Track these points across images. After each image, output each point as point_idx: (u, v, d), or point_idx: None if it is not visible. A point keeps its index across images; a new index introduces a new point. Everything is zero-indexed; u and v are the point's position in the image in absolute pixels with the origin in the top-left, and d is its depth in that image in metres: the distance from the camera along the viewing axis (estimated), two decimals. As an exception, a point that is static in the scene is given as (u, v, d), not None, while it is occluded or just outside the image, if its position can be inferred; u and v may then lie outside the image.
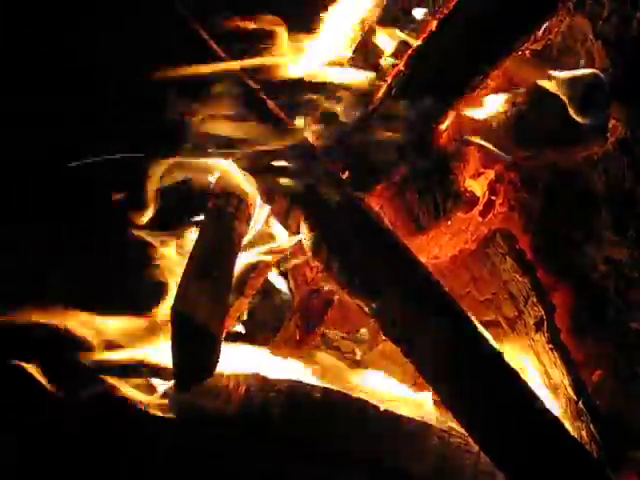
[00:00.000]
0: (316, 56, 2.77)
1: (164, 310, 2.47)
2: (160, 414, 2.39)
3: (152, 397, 2.43)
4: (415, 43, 2.58)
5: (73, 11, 2.96)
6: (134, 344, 2.50)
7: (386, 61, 2.68)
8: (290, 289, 2.76)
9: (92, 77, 3.00)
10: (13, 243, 2.84)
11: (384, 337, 2.37)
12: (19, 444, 2.47)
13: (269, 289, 2.85)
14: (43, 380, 2.49)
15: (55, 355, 2.49)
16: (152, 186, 2.52)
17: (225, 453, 2.37)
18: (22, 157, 2.91)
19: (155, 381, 2.48)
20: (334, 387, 2.46)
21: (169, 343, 2.21)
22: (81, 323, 2.49)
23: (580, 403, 2.53)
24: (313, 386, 2.41)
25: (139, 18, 2.76)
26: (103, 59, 2.94)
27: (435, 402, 2.51)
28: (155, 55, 2.66)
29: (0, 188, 2.86)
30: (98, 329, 2.49)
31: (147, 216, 2.58)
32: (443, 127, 2.59)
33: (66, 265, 2.79)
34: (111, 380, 2.46)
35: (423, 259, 2.41)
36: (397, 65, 2.58)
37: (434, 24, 2.53)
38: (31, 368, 2.52)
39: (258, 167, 2.46)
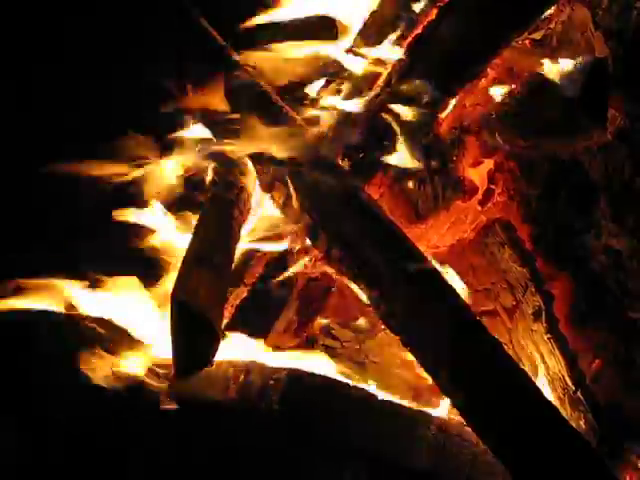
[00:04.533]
0: (317, 45, 2.77)
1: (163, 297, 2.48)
2: (159, 402, 2.38)
3: (152, 385, 2.43)
4: (415, 31, 2.58)
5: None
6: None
7: (386, 49, 2.66)
8: (289, 277, 2.75)
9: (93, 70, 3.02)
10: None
11: (383, 326, 2.37)
12: (18, 428, 2.47)
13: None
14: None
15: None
16: (153, 174, 2.53)
17: (224, 441, 2.37)
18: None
19: (154, 369, 2.48)
20: (333, 375, 2.46)
21: (168, 330, 2.21)
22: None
23: (578, 393, 2.54)
24: (312, 374, 2.41)
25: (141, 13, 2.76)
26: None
27: (434, 391, 2.50)
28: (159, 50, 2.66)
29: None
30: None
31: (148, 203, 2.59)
32: (443, 116, 2.58)
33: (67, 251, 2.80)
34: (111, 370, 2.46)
35: (422, 248, 2.41)
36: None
37: (434, 13, 2.53)
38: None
39: (258, 156, 2.46)
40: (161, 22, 2.75)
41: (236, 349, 2.50)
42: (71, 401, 2.44)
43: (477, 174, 2.71)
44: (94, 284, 2.54)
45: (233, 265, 2.47)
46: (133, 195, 2.62)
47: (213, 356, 2.24)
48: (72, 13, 3.05)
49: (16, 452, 2.44)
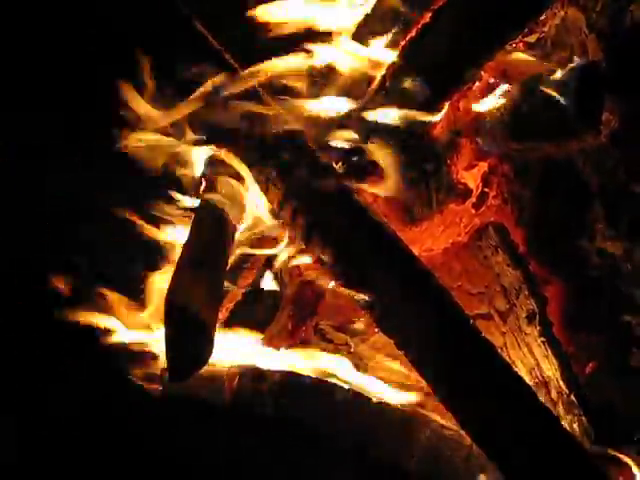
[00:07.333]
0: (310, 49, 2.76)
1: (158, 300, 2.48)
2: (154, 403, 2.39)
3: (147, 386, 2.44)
4: (409, 34, 2.57)
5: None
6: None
7: (380, 52, 2.66)
8: (282, 280, 2.75)
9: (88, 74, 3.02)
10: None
11: (377, 329, 2.37)
12: (18, 426, 2.48)
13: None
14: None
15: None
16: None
17: (217, 443, 2.38)
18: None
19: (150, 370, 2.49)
20: (327, 378, 2.46)
21: (163, 332, 2.21)
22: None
23: (572, 396, 2.54)
24: (306, 377, 2.41)
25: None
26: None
27: (428, 394, 2.50)
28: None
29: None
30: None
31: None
32: (437, 119, 2.58)
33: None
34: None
35: (416, 251, 2.41)
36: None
37: (428, 15, 2.53)
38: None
39: (253, 158, 2.46)
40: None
41: (230, 352, 2.50)
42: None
43: (471, 177, 2.71)
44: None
45: (227, 267, 2.48)
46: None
47: (207, 359, 2.24)
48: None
49: (16, 452, 2.45)
